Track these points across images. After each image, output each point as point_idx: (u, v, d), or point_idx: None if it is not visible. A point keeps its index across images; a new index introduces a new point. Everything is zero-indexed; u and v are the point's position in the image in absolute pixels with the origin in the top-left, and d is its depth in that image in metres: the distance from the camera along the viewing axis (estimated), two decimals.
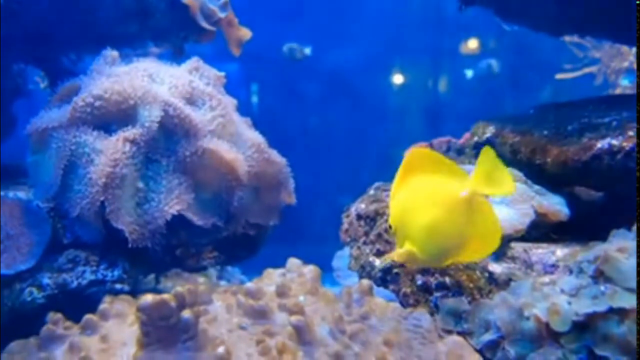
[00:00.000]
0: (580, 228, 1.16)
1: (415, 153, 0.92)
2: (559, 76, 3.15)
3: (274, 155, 1.42)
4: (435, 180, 0.87)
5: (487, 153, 0.83)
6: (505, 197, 1.20)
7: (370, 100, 3.73)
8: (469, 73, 3.59)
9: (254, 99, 3.81)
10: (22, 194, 1.25)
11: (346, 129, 3.60)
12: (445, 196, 0.85)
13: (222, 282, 1.97)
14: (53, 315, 1.03)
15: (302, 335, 0.94)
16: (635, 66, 2.96)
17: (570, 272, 1.01)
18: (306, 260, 1.19)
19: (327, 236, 1.80)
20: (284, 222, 1.49)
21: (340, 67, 3.65)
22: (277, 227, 1.51)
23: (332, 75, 3.66)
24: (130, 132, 1.22)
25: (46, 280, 1.18)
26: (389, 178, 1.63)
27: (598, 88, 3.10)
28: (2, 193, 1.24)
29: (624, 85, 3.06)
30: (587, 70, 3.11)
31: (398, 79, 3.89)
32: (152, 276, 1.41)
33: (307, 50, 3.30)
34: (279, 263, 1.20)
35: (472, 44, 3.84)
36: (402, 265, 1.19)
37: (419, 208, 0.88)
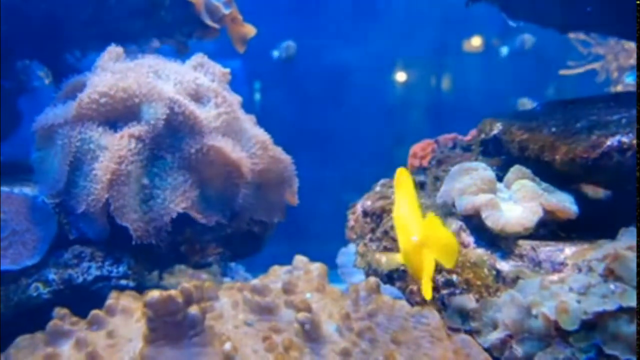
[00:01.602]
0: (589, 226, 1.15)
1: (401, 173, 1.09)
2: (562, 72, 3.14)
3: (279, 152, 1.42)
4: (408, 211, 1.03)
5: (432, 221, 0.96)
6: (514, 195, 1.19)
7: (374, 97, 3.71)
8: (504, 50, 3.53)
9: (258, 96, 3.80)
10: (28, 190, 1.25)
11: (351, 126, 3.59)
12: (406, 232, 1.02)
13: (226, 279, 1.97)
14: (59, 311, 1.03)
15: (308, 332, 0.94)
16: None
17: (579, 270, 1.00)
18: (310, 258, 1.18)
19: (331, 234, 1.80)
20: (287, 219, 1.49)
21: (345, 64, 3.64)
22: (280, 225, 1.51)
23: (337, 72, 3.65)
24: (136, 129, 1.21)
25: (52, 275, 1.18)
26: (394, 175, 1.63)
27: (600, 85, 3.09)
28: (8, 189, 1.24)
29: (627, 83, 3.04)
30: (589, 66, 3.10)
31: (402, 76, 3.87)
32: (156, 272, 1.41)
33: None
34: (282, 261, 1.20)
35: (476, 41, 3.82)
36: None
37: (397, 231, 1.07)
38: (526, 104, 3.26)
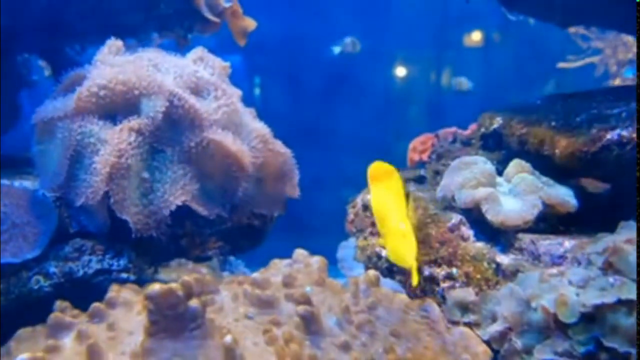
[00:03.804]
0: (588, 220, 1.15)
1: (377, 167, 1.11)
2: (561, 65, 3.13)
3: (279, 146, 1.42)
4: (389, 202, 1.07)
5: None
6: (514, 188, 1.19)
7: (375, 92, 3.71)
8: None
9: (257, 91, 3.79)
10: (28, 184, 1.25)
11: (350, 120, 3.59)
12: (391, 220, 1.04)
13: (225, 274, 1.97)
14: (61, 304, 1.03)
15: (308, 325, 0.94)
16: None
17: (579, 263, 1.01)
18: (310, 252, 1.18)
19: (330, 228, 1.80)
20: (287, 214, 1.49)
21: (345, 58, 3.63)
22: (280, 220, 1.51)
23: (337, 67, 3.64)
24: (135, 122, 1.21)
25: (52, 269, 1.18)
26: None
27: (598, 79, 3.08)
28: (8, 182, 1.24)
29: (625, 77, 3.03)
30: (589, 60, 3.09)
31: (402, 70, 3.87)
32: (156, 266, 1.41)
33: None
34: (282, 256, 1.20)
35: (476, 35, 3.81)
36: None
37: (380, 220, 1.09)
38: (462, 83, 3.24)
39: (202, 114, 1.26)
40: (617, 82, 3.04)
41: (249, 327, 0.96)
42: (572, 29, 2.94)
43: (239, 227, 1.42)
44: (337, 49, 3.27)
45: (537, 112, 1.34)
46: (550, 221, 1.17)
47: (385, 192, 1.09)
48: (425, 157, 1.76)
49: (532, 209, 1.13)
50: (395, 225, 1.03)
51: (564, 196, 1.16)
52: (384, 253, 1.24)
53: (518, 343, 0.96)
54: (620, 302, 0.88)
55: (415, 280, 0.96)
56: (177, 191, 1.23)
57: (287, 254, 1.19)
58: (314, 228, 2.87)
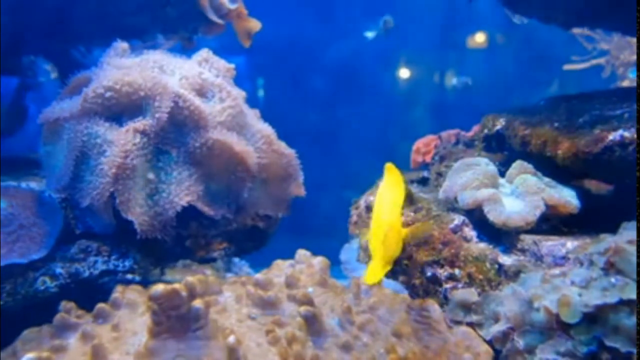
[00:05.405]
0: (591, 221, 1.15)
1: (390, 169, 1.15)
2: (566, 67, 3.12)
3: (284, 147, 1.43)
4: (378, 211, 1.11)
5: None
6: (516, 189, 1.19)
7: (378, 93, 3.71)
8: None
9: (261, 92, 3.80)
10: (34, 185, 1.26)
11: (354, 122, 3.59)
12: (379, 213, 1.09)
13: (230, 275, 1.98)
14: (66, 304, 1.04)
15: (311, 325, 0.95)
16: None
17: (581, 264, 1.01)
18: (313, 254, 1.19)
19: (333, 230, 1.80)
20: (291, 215, 1.49)
21: (348, 59, 3.64)
22: (284, 221, 1.51)
23: (340, 68, 3.64)
24: (141, 123, 1.22)
25: (59, 269, 1.20)
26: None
27: (605, 81, 3.07)
28: (15, 183, 1.25)
29: (632, 78, 3.02)
30: (595, 62, 3.07)
31: (405, 72, 3.87)
32: (161, 267, 1.42)
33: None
34: (286, 257, 1.21)
35: (480, 37, 3.80)
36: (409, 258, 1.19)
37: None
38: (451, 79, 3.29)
39: (206, 115, 1.27)
40: (625, 83, 3.03)
41: (252, 327, 0.97)
42: (577, 31, 2.93)
43: (243, 228, 1.43)
44: (369, 34, 3.27)
45: (539, 113, 1.34)
46: (552, 222, 1.18)
47: (384, 192, 1.12)
48: (428, 158, 1.76)
49: (535, 210, 1.13)
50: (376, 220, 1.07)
51: (566, 197, 1.16)
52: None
53: (520, 343, 0.96)
54: (622, 303, 0.88)
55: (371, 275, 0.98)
56: (182, 192, 1.24)
57: (291, 255, 1.19)
58: (317, 229, 2.88)
